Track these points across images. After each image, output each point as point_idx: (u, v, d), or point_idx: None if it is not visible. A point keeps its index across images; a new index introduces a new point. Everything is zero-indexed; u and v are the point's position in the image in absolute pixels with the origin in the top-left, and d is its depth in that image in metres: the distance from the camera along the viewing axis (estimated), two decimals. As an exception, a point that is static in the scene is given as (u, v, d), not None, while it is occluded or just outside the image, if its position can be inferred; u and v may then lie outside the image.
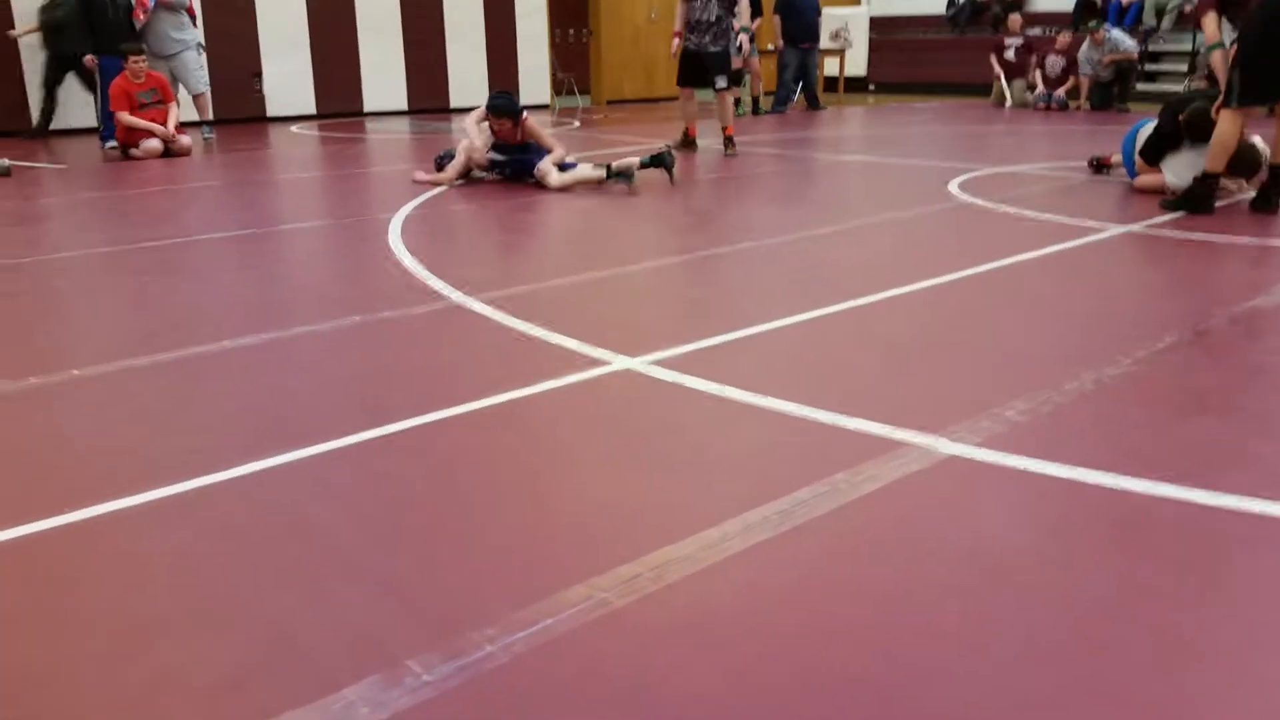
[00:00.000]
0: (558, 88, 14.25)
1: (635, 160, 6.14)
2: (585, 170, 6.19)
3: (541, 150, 6.25)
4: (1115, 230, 4.66)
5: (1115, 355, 2.81)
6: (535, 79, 13.79)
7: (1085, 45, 11.88)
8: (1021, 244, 4.36)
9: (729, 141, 7.98)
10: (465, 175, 6.45)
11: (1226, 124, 4.85)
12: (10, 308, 3.58)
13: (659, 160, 6.16)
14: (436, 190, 6.13)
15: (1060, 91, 12.16)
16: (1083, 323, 3.23)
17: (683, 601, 1.60)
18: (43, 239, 4.91)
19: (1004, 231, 4.78)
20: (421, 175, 6.53)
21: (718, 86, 7.88)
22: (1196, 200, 5.00)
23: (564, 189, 6.08)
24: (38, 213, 5.68)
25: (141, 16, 8.58)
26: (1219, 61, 4.99)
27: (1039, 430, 2.29)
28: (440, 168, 6.48)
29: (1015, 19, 12.93)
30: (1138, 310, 3.42)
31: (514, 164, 6.30)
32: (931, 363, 2.81)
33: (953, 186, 6.08)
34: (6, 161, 7.10)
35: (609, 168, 6.11)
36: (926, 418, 2.34)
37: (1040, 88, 12.36)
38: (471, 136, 6.34)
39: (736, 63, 12.21)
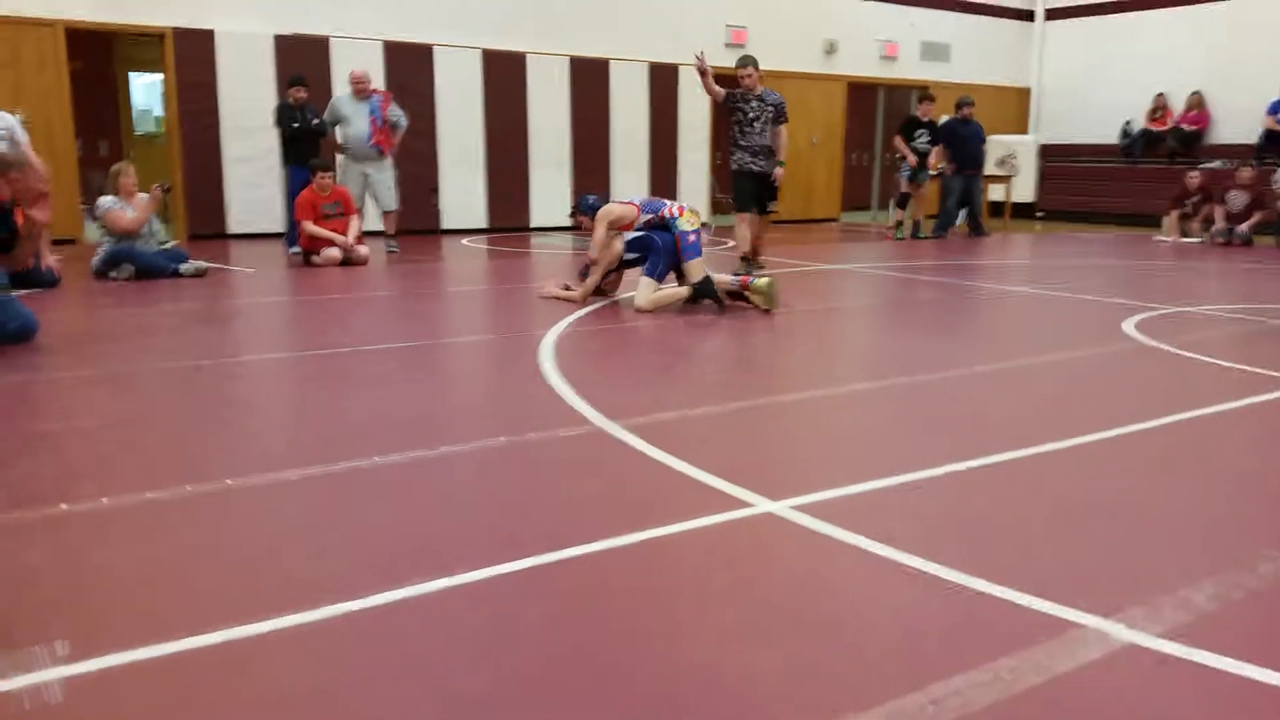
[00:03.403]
0: (716, 208, 14.47)
1: (727, 279, 6.21)
2: (673, 290, 6.12)
3: (660, 252, 6.12)
4: (1315, 384, 4.27)
5: (1322, 535, 2.51)
6: (695, 201, 14.09)
7: None
8: (1209, 396, 4.04)
9: (747, 261, 8.20)
10: (600, 291, 6.44)
11: None
12: (184, 412, 3.77)
13: (705, 292, 6.10)
14: (589, 308, 6.21)
15: (1244, 227, 11.48)
16: (1278, 493, 2.92)
17: (819, 802, 1.45)
18: (221, 342, 5.21)
19: (1188, 380, 4.45)
20: (551, 289, 6.54)
21: (771, 209, 8.48)
22: None
23: (650, 310, 5.99)
24: (221, 315, 6.06)
25: (385, 150, 9.35)
26: None
27: (1230, 620, 2.03)
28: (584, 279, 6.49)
29: (1194, 178, 12.21)
30: (1346, 480, 3.07)
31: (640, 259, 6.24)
32: (1106, 530, 2.57)
33: (1128, 326, 5.75)
34: (203, 264, 7.66)
35: (696, 286, 6.09)
36: (1101, 597, 2.12)
37: (1220, 223, 11.72)
38: (598, 241, 6.22)
39: (904, 186, 12.19)
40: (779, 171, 8.25)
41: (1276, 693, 1.76)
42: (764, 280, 6.13)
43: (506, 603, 2.11)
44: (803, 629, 2.00)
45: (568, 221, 13.14)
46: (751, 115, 8.04)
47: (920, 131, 11.80)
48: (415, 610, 2.07)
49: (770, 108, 8.06)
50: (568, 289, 6.49)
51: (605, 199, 6.53)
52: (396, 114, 9.41)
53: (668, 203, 6.34)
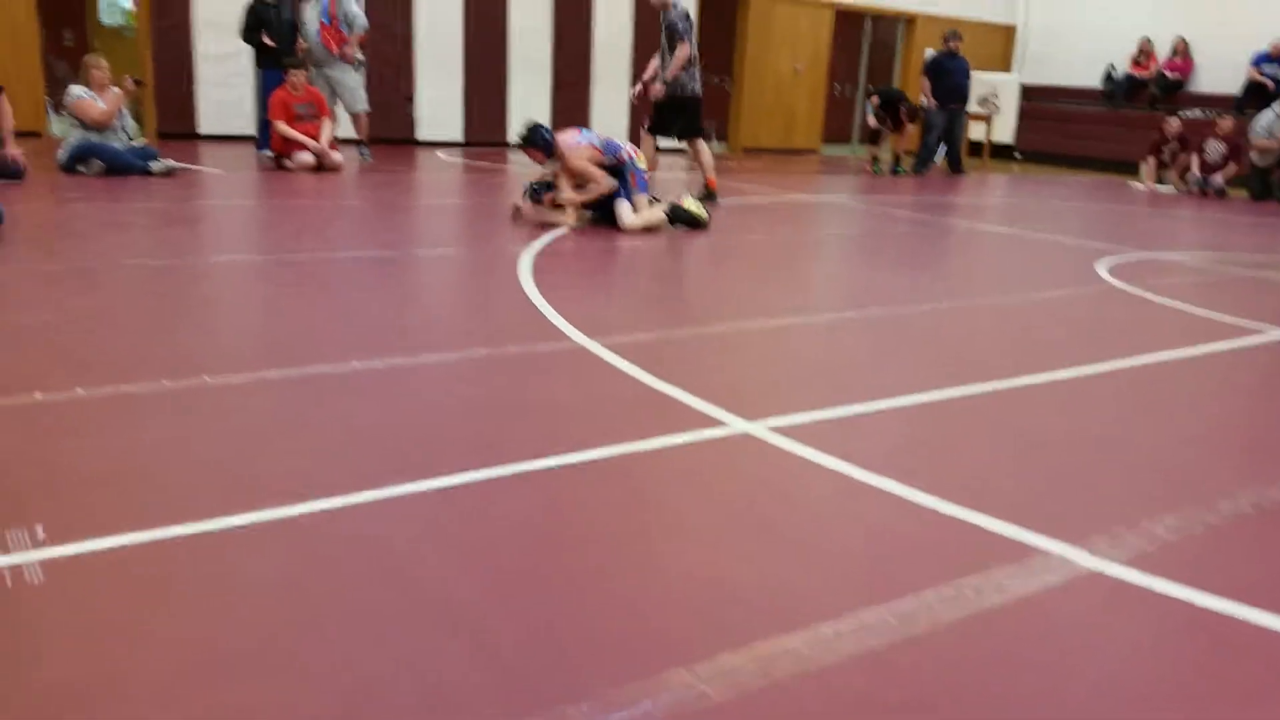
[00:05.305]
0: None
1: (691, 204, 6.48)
2: (656, 213, 6.30)
3: (625, 179, 6.22)
4: None
5: (1278, 476, 2.58)
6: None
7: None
8: (1178, 339, 4.11)
9: (709, 195, 7.56)
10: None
11: None
12: (156, 309, 3.73)
13: (678, 216, 6.36)
14: (568, 226, 6.16)
15: (1218, 178, 11.54)
16: (1242, 434, 2.99)
17: (786, 705, 1.49)
18: (193, 243, 5.13)
19: (1158, 323, 4.52)
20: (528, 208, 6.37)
21: (702, 137, 7.80)
22: None
23: (640, 230, 6.14)
24: (192, 215, 5.95)
25: (333, 50, 8.90)
26: None
27: (1190, 553, 2.10)
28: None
29: (1173, 125, 12.11)
30: (1304, 425, 3.15)
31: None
32: (1074, 462, 2.64)
33: (1101, 269, 5.81)
34: (173, 163, 7.49)
35: (671, 211, 6.35)
36: (1066, 525, 2.18)
37: (1195, 172, 11.76)
38: (595, 176, 6.19)
39: (873, 122, 12.09)
40: (633, 89, 7.79)
41: (1229, 620, 1.83)
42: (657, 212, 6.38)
43: (481, 507, 2.13)
44: (774, 543, 2.04)
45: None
46: (663, 44, 7.38)
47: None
48: (390, 510, 2.09)
49: (664, 29, 7.30)
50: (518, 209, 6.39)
51: (551, 131, 6.33)
52: (352, 13, 8.92)
53: (622, 144, 6.38)
